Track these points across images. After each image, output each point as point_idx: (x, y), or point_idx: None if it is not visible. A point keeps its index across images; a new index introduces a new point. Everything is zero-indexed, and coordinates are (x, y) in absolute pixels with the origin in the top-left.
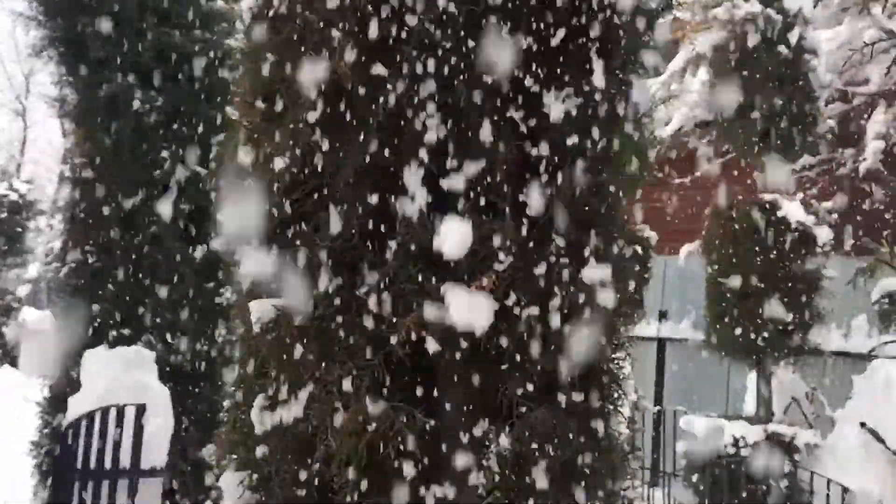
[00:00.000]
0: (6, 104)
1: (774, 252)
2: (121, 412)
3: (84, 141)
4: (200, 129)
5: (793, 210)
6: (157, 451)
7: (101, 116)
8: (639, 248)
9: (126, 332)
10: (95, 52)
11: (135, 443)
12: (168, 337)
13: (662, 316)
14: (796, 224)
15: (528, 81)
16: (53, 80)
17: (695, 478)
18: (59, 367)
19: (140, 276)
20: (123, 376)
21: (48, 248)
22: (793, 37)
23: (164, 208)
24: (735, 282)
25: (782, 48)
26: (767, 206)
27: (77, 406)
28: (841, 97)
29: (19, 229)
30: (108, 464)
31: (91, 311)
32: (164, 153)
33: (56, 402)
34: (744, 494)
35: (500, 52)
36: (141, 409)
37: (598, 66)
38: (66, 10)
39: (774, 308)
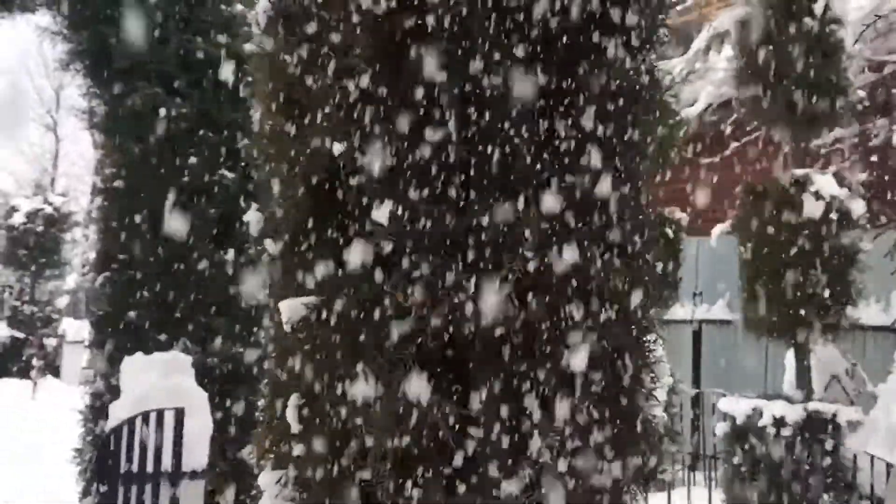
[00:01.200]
0: (37, 119)
1: (809, 227)
2: (160, 416)
3: (113, 151)
4: (226, 133)
5: (825, 184)
6: (197, 453)
7: (128, 126)
8: (669, 231)
9: (162, 337)
10: (121, 62)
11: (175, 445)
12: (203, 340)
13: (697, 298)
14: (829, 198)
15: (549, 63)
16: (81, 93)
17: (735, 460)
18: (98, 376)
19: (174, 281)
20: (162, 381)
21: (84, 258)
22: (818, 7)
23: (195, 213)
24: (769, 259)
25: (808, 20)
26: (799, 181)
27: (118, 412)
28: (870, 67)
29: (56, 242)
30: (150, 467)
31: (127, 319)
32: (193, 159)
33: (97, 409)
34: (786, 474)
35: (520, 34)
36: (180, 413)
37: (618, 43)
38: (91, 23)
39: (811, 284)
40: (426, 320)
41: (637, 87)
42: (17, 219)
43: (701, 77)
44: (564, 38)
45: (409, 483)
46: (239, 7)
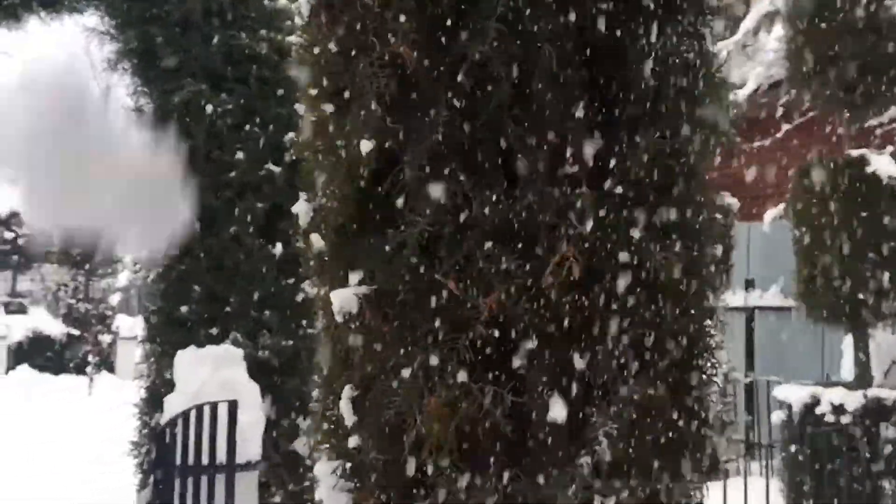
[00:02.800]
0: None
1: (866, 210)
2: (214, 409)
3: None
4: (272, 128)
5: (883, 165)
6: (250, 446)
7: (175, 123)
8: (720, 216)
9: (214, 331)
10: (167, 60)
11: (229, 438)
12: (254, 334)
13: (749, 285)
14: (888, 179)
15: (600, 41)
16: (129, 92)
17: (793, 449)
18: (152, 370)
19: (223, 276)
20: (214, 374)
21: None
22: None
23: (242, 208)
24: (826, 243)
25: None
26: (856, 162)
27: (172, 405)
28: None
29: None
30: (205, 459)
31: (179, 314)
32: (239, 154)
33: (152, 403)
34: (846, 463)
35: (568, 14)
36: (233, 405)
37: (671, 20)
38: (137, 22)
39: (869, 268)
40: (479, 308)
41: (688, 63)
42: None
43: (750, 58)
44: (613, 15)
45: (465, 471)
46: (282, 1)
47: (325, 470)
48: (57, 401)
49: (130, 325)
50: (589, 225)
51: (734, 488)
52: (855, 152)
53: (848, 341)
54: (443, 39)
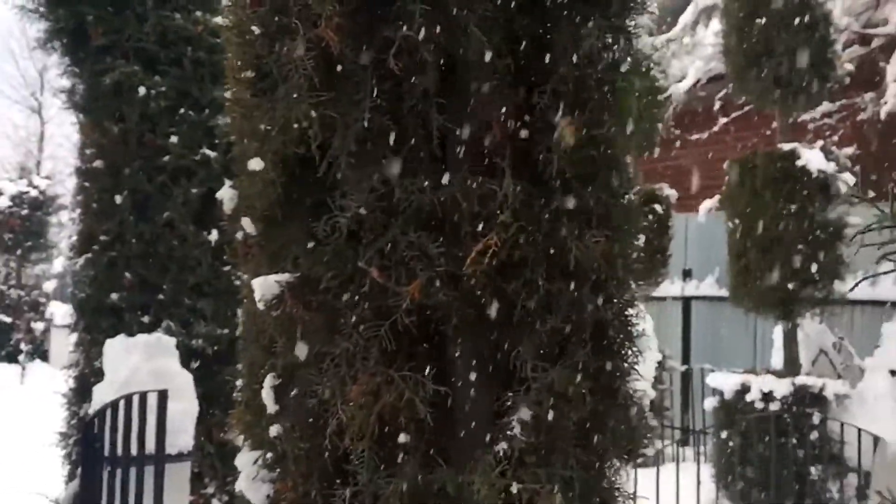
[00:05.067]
0: (22, 101)
1: (796, 202)
2: (143, 398)
3: (93, 131)
4: (207, 111)
5: (813, 158)
6: (183, 436)
7: (107, 105)
8: (658, 207)
9: (146, 319)
10: (98, 39)
11: (159, 428)
12: (187, 322)
13: (686, 275)
14: (817, 172)
15: (525, 31)
16: (60, 72)
17: (724, 434)
18: (82, 359)
19: (156, 262)
20: (145, 363)
21: (71, 242)
22: None
23: (176, 193)
24: (757, 235)
25: None
26: (787, 155)
27: (101, 395)
28: (859, 40)
29: (41, 225)
30: (134, 450)
31: (110, 301)
32: (173, 138)
33: (81, 392)
34: (774, 448)
35: (493, 2)
36: (163, 395)
37: (595, 13)
38: (68, 1)
39: (798, 259)
40: (401, 295)
41: (613, 56)
42: (2, 202)
43: (689, 52)
44: (538, 5)
45: (385, 459)
46: None
47: (246, 460)
48: None
49: (65, 313)
50: (511, 213)
51: (667, 474)
52: (787, 146)
53: (778, 330)
54: (368, 23)
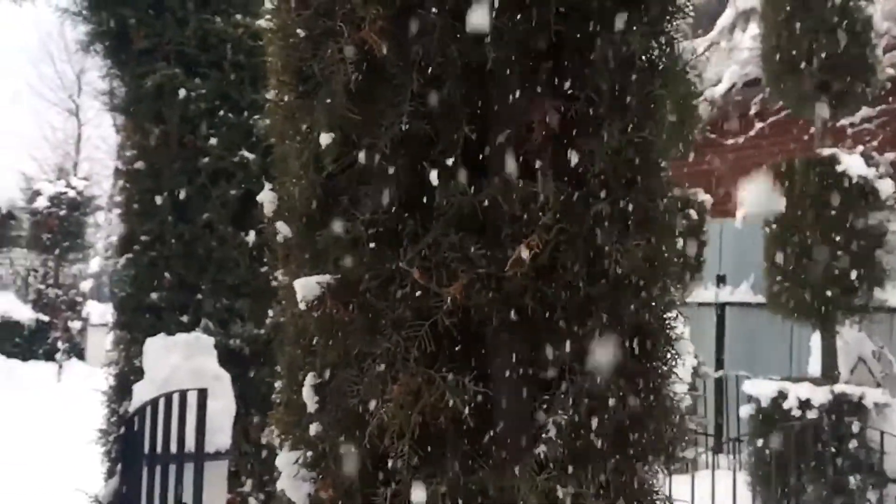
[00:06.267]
0: (60, 103)
1: (835, 208)
2: (183, 397)
3: (134, 133)
4: (246, 114)
5: (853, 164)
6: (220, 435)
7: (148, 107)
8: (693, 213)
9: (185, 318)
10: (139, 42)
11: (198, 427)
12: (225, 322)
13: (720, 280)
14: (857, 178)
15: (564, 36)
16: (101, 75)
17: (760, 442)
18: (121, 357)
19: (195, 263)
20: (184, 362)
21: (108, 242)
22: None
23: (215, 195)
24: (795, 241)
25: None
26: (826, 161)
27: (141, 393)
28: None
29: (79, 225)
30: (173, 448)
31: (150, 300)
32: (213, 140)
33: (121, 390)
34: (812, 457)
35: (533, 7)
36: (203, 394)
37: (635, 18)
38: (110, 4)
39: (837, 265)
40: (442, 297)
41: (653, 60)
42: (41, 203)
43: (726, 56)
44: (581, 7)
45: (426, 460)
46: None
47: (286, 460)
48: (25, 388)
49: (101, 312)
50: (552, 216)
51: (702, 481)
52: (826, 151)
53: (816, 337)
54: (411, 28)
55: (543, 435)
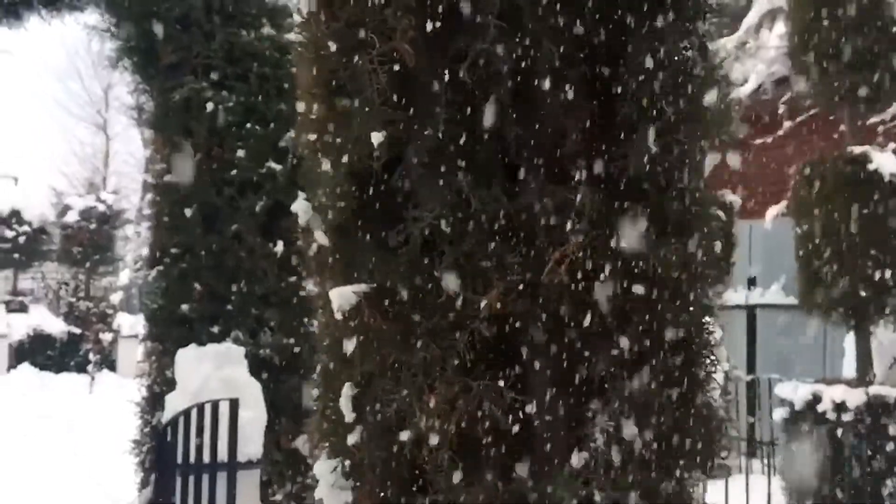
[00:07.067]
0: (87, 118)
1: (868, 207)
2: (215, 407)
3: (163, 147)
4: (273, 126)
5: (885, 162)
6: (252, 444)
7: (176, 120)
8: (722, 214)
9: (215, 329)
10: (167, 57)
11: (230, 436)
12: (255, 332)
13: (751, 283)
14: (889, 176)
15: (599, 39)
16: (130, 90)
17: (794, 446)
18: (153, 368)
19: (225, 274)
20: (216, 372)
21: (137, 255)
22: None
23: (244, 206)
24: (827, 241)
25: None
26: (857, 159)
27: (173, 404)
28: None
29: (109, 239)
30: (206, 458)
31: (180, 312)
32: (240, 152)
33: (153, 401)
34: (847, 460)
35: (569, 8)
36: (234, 403)
37: (669, 19)
38: (137, 19)
39: (871, 265)
40: (478, 305)
41: (689, 60)
42: (71, 217)
43: (752, 55)
44: (614, 12)
45: (464, 469)
46: None
47: (324, 468)
48: (58, 399)
49: (131, 324)
50: (588, 222)
51: (736, 485)
52: (857, 149)
53: (849, 339)
54: (442, 37)
55: (592, 444)
